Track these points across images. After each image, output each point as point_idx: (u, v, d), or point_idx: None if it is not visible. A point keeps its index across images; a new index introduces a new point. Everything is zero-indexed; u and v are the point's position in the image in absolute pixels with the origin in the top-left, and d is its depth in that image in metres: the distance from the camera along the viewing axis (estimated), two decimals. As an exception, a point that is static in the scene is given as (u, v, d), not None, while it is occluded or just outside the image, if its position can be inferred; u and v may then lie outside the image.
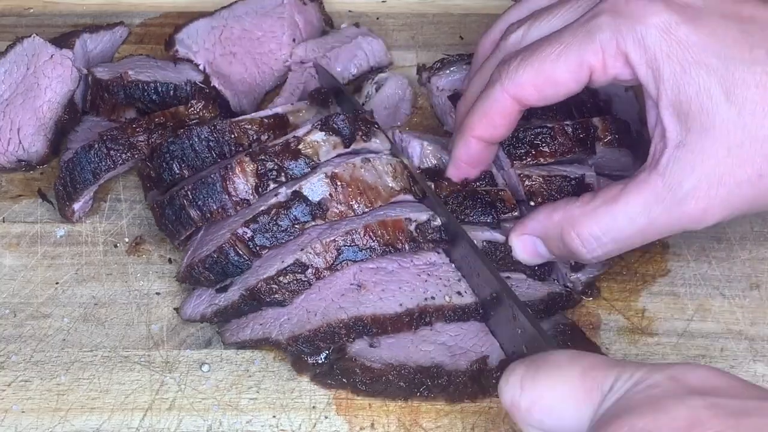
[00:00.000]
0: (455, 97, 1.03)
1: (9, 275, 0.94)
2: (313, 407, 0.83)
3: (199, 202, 0.90)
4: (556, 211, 0.84)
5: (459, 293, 0.87)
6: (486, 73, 0.89)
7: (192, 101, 1.01)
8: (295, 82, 1.11)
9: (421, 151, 0.95)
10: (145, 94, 1.03)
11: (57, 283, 0.93)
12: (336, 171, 0.89)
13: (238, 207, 0.90)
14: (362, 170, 0.90)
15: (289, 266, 0.86)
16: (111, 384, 0.85)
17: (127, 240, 0.97)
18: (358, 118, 0.93)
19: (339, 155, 0.92)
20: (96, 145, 0.97)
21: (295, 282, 0.86)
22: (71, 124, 1.04)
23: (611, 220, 0.80)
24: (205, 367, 0.86)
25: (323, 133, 0.91)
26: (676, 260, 0.96)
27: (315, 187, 0.88)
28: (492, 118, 0.86)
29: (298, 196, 0.88)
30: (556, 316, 0.89)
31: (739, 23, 0.76)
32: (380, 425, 0.82)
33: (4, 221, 0.99)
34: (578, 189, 0.92)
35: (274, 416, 0.82)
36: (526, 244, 0.87)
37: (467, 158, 0.91)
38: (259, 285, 0.85)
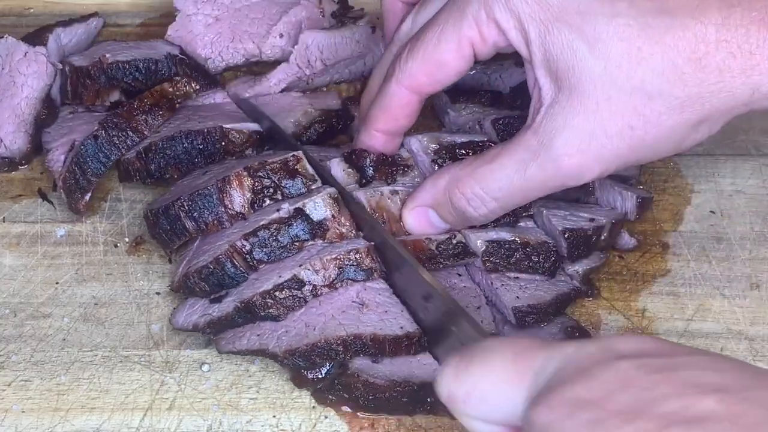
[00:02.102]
0: (451, 92, 1.03)
1: (9, 275, 0.94)
2: (313, 407, 0.83)
3: (195, 214, 0.90)
4: (441, 177, 0.87)
5: None
6: (385, 65, 0.92)
7: (176, 77, 1.03)
8: (284, 76, 1.08)
9: (420, 144, 0.95)
10: (128, 73, 1.05)
11: (57, 283, 0.93)
12: (360, 197, 0.91)
13: (233, 220, 0.90)
14: (389, 201, 0.91)
15: (286, 281, 0.85)
16: (111, 384, 0.85)
17: (127, 240, 0.97)
18: (386, 163, 0.93)
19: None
20: (101, 134, 0.98)
21: (291, 298, 0.85)
22: (50, 119, 1.05)
23: (491, 178, 0.83)
24: (205, 367, 0.86)
25: (346, 164, 0.93)
26: (676, 260, 0.96)
27: (318, 207, 0.88)
28: (393, 112, 0.89)
29: (300, 214, 0.88)
30: (563, 318, 0.88)
31: None
32: (380, 425, 0.82)
33: (4, 221, 0.99)
34: (576, 190, 0.92)
35: (274, 416, 0.82)
36: (419, 216, 0.89)
37: (373, 150, 0.93)
38: (255, 298, 0.85)
